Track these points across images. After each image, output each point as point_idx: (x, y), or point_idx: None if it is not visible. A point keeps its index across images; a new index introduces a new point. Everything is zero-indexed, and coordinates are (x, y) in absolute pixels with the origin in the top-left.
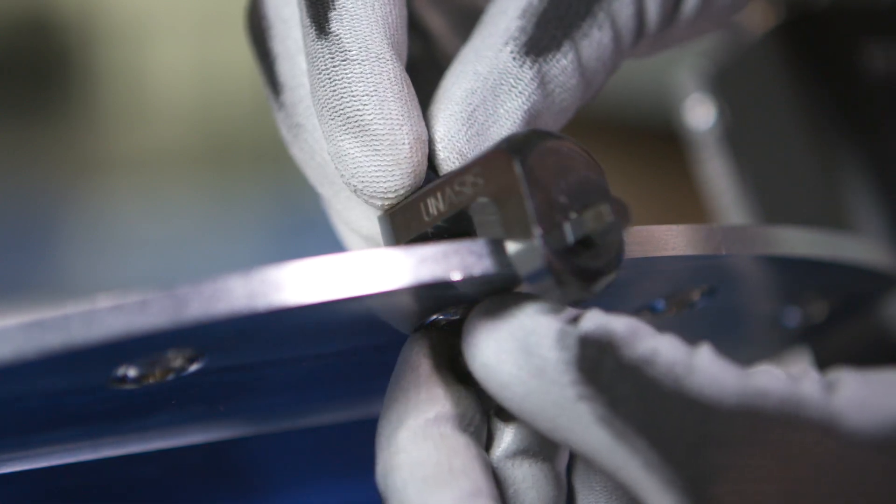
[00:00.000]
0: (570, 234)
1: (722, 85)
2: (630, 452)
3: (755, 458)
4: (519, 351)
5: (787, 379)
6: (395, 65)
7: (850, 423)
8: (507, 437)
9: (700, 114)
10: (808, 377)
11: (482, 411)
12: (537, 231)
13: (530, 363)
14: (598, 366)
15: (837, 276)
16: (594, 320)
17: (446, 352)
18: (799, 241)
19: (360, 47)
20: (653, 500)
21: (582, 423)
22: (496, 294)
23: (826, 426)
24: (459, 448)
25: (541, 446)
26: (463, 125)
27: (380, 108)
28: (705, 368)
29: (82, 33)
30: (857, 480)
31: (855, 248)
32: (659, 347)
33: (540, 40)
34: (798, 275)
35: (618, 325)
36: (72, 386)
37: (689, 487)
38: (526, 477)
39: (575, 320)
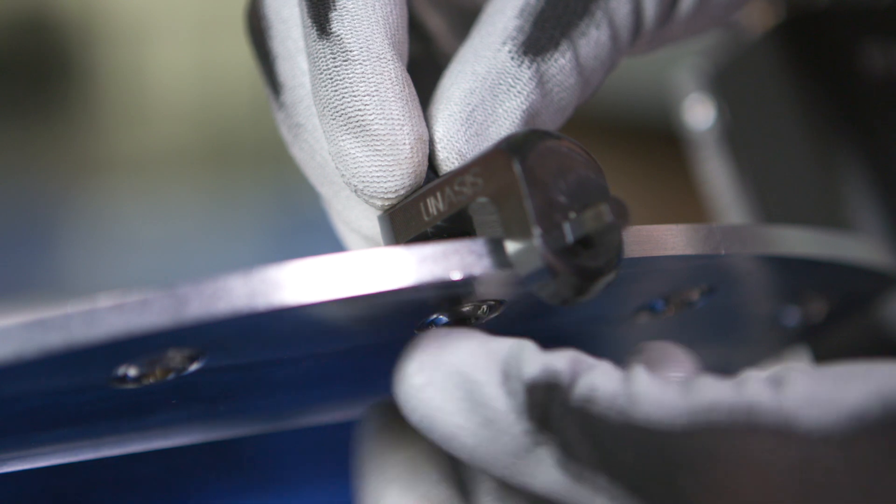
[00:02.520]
0: (569, 233)
1: (721, 85)
2: (593, 490)
3: (720, 474)
4: (463, 398)
5: (733, 385)
6: (397, 65)
7: (805, 422)
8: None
9: (699, 113)
10: (753, 379)
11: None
12: (537, 231)
13: (478, 411)
14: (547, 410)
15: (837, 276)
16: (536, 361)
17: None
18: (798, 241)
19: (361, 47)
20: None
21: (540, 469)
22: (428, 330)
23: (782, 429)
24: None
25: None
26: (462, 125)
27: (381, 109)
28: (646, 393)
29: (82, 33)
30: (823, 480)
31: (854, 247)
32: (595, 382)
33: (538, 40)
34: (797, 274)
35: (559, 363)
36: (72, 385)
37: None
38: None
39: (515, 355)
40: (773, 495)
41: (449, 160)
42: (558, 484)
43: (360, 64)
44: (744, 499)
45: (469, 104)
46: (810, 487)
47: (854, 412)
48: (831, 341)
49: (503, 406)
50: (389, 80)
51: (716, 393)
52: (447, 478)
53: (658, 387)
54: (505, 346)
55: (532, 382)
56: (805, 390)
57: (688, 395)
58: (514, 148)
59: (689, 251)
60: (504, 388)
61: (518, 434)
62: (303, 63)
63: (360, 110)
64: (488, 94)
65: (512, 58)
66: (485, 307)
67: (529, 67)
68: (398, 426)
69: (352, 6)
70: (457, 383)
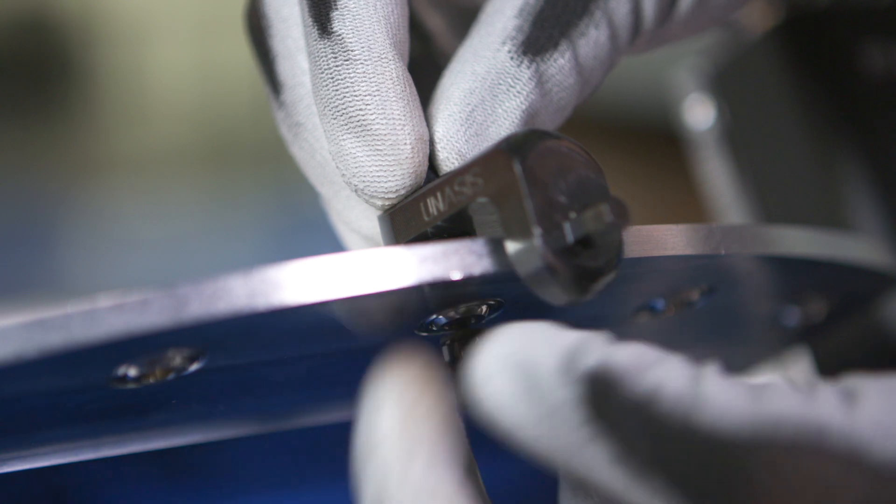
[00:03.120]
0: (569, 233)
1: (721, 85)
2: (649, 492)
3: (778, 492)
4: (527, 391)
5: (803, 398)
6: (398, 64)
7: (878, 451)
8: None
9: (699, 113)
10: (824, 392)
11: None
12: (537, 231)
13: (540, 404)
14: (606, 403)
15: (837, 276)
16: (597, 352)
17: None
18: (798, 241)
19: (362, 47)
20: None
21: (597, 463)
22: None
23: (852, 457)
24: (452, 500)
25: None
26: (462, 125)
27: (382, 108)
28: (714, 397)
29: (82, 33)
30: None
31: (854, 247)
32: (663, 379)
33: (537, 40)
34: (797, 274)
35: (622, 356)
36: (72, 385)
37: None
38: None
39: (579, 347)
40: None
41: (449, 160)
42: (615, 481)
43: (361, 63)
44: None
45: (469, 104)
46: None
47: None
48: (831, 341)
49: (561, 396)
50: (391, 79)
51: (785, 405)
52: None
53: (727, 391)
54: (571, 336)
55: (591, 373)
56: (880, 413)
57: (756, 405)
58: (514, 148)
59: (689, 251)
60: (564, 378)
61: (576, 426)
62: (303, 62)
63: (361, 110)
64: (488, 93)
65: (511, 58)
66: (485, 307)
67: (529, 67)
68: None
69: (353, 6)
70: (521, 375)
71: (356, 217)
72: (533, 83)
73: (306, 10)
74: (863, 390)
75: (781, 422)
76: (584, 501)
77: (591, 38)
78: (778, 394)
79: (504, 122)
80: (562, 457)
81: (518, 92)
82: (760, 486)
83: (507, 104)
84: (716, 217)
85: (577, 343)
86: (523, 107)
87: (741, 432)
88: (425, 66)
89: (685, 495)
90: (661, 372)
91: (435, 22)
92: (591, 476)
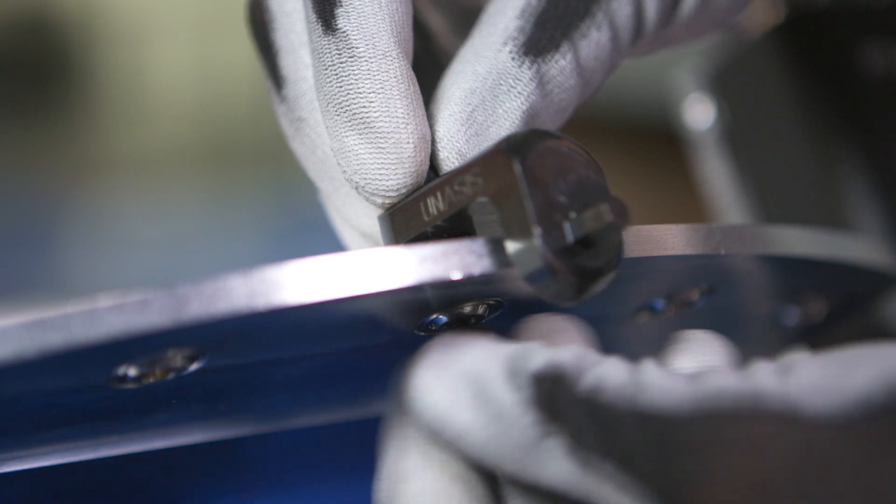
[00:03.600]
0: (569, 233)
1: (721, 85)
2: (600, 479)
3: (721, 458)
4: (472, 397)
5: (740, 374)
6: (402, 63)
7: (810, 408)
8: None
9: (699, 114)
10: (760, 366)
11: None
12: (537, 231)
13: (486, 408)
14: (554, 401)
15: (837, 276)
16: (542, 356)
17: None
18: (798, 241)
19: (367, 44)
20: None
21: (549, 460)
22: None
23: (786, 415)
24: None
25: None
26: (462, 125)
27: (385, 106)
28: (654, 383)
29: (82, 33)
30: (823, 465)
31: (854, 247)
32: (606, 373)
33: (539, 41)
34: (797, 274)
35: (564, 357)
36: (72, 385)
37: (662, 500)
38: None
39: (520, 353)
40: (774, 479)
41: (449, 160)
42: (567, 474)
43: (365, 61)
44: (745, 482)
45: (469, 104)
46: (811, 471)
47: (858, 397)
48: (831, 341)
49: (510, 400)
50: (395, 77)
51: (722, 381)
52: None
53: (667, 377)
54: (511, 346)
55: (538, 375)
56: (811, 377)
57: (695, 383)
58: (514, 148)
59: (689, 251)
60: (511, 383)
61: (526, 426)
62: (306, 57)
63: (364, 107)
64: (489, 94)
65: (513, 58)
66: (485, 307)
67: (530, 68)
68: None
69: (357, 3)
70: (465, 382)
71: (355, 213)
72: (534, 84)
73: (310, 6)
74: (796, 362)
75: (720, 394)
76: None
77: (593, 40)
78: (716, 374)
79: (505, 122)
80: (511, 459)
81: (519, 93)
82: (704, 455)
83: (507, 105)
84: (716, 217)
85: (518, 350)
86: (524, 107)
87: (682, 406)
88: (427, 65)
89: (634, 475)
90: (603, 368)
91: (437, 21)
92: (543, 473)
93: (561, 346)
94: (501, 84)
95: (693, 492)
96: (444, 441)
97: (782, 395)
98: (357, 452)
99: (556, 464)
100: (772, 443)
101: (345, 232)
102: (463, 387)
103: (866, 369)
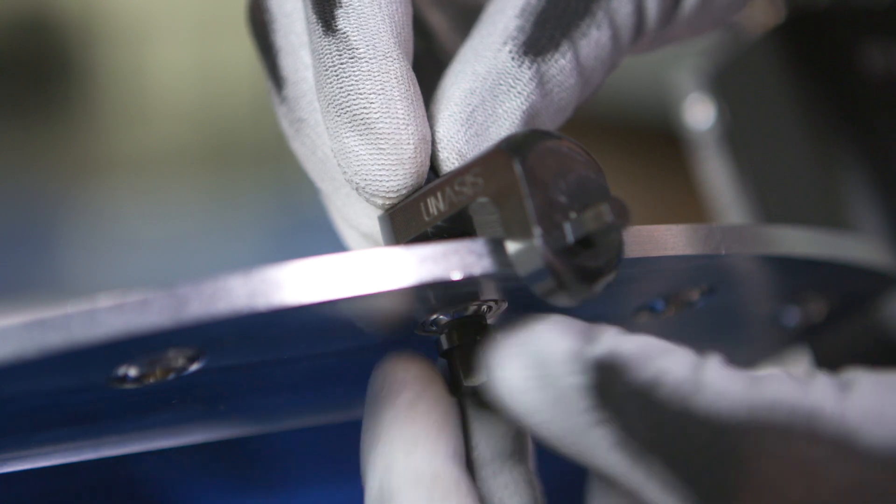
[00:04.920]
0: (569, 233)
1: (721, 85)
2: (647, 474)
3: (770, 473)
4: (538, 378)
5: (798, 385)
6: (402, 63)
7: (866, 436)
8: (483, 441)
9: (699, 114)
10: (820, 381)
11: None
12: (537, 231)
13: (549, 390)
14: (610, 390)
15: (837, 276)
16: (606, 342)
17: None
18: (798, 241)
19: (367, 45)
20: None
21: (600, 448)
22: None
23: (841, 442)
24: (451, 488)
25: (514, 448)
26: (462, 126)
27: (386, 107)
28: (712, 383)
29: (82, 33)
30: (874, 501)
31: (854, 247)
32: (667, 367)
33: (538, 40)
34: (797, 274)
35: (629, 346)
36: (72, 385)
37: None
38: (508, 484)
39: (589, 338)
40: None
41: (449, 160)
42: (617, 464)
43: (366, 62)
44: (791, 501)
45: (469, 104)
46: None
47: None
48: (831, 341)
49: (569, 383)
50: (395, 78)
51: (780, 390)
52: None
53: (726, 378)
54: (582, 326)
55: (599, 361)
56: (871, 402)
57: (752, 390)
58: (515, 148)
59: (689, 251)
60: (573, 366)
61: (581, 411)
62: (306, 57)
63: (365, 108)
64: (489, 94)
65: (512, 58)
66: (485, 307)
67: (530, 68)
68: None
69: (357, 4)
70: (533, 362)
71: (356, 214)
72: (534, 84)
73: (310, 6)
74: (858, 381)
75: (776, 406)
76: (613, 497)
77: (593, 39)
78: (775, 381)
79: (505, 122)
80: (568, 441)
81: (519, 92)
82: (752, 467)
83: (507, 104)
84: (716, 217)
85: (586, 333)
86: (524, 107)
87: (736, 414)
88: (427, 64)
89: (680, 476)
90: (665, 361)
91: (437, 19)
92: (594, 460)
93: (630, 334)
94: (501, 84)
95: (737, 501)
96: (513, 414)
97: (839, 418)
98: (357, 453)
99: (606, 453)
100: (823, 468)
101: (345, 232)
102: (531, 367)
103: None
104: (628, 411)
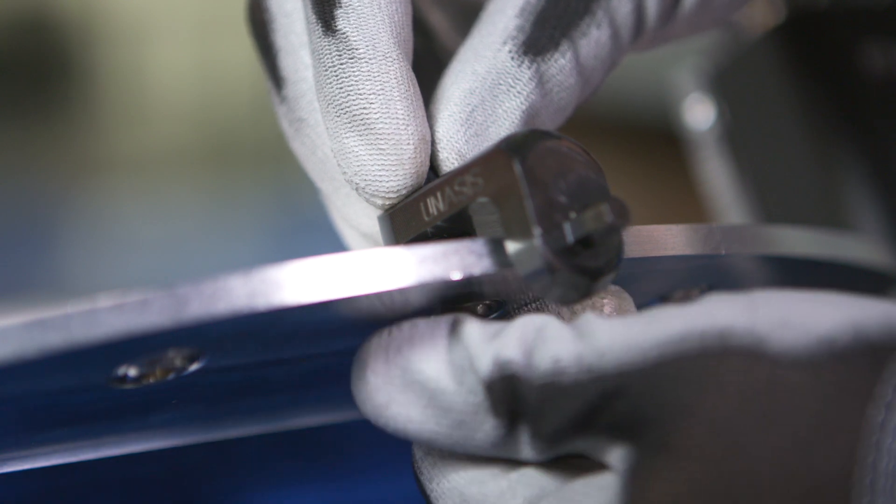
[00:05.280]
0: (569, 233)
1: (721, 85)
2: (571, 448)
3: (690, 397)
4: (428, 407)
5: (703, 310)
6: (402, 64)
7: (776, 343)
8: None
9: (699, 113)
10: (726, 300)
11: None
12: (537, 231)
13: (445, 416)
14: (515, 400)
15: (837, 276)
16: (486, 359)
17: None
18: (798, 241)
19: (367, 46)
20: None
21: (521, 448)
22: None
23: (753, 351)
24: None
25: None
26: (462, 126)
27: (386, 108)
28: (610, 341)
29: (82, 33)
30: (790, 402)
31: (854, 247)
32: (554, 352)
33: (538, 40)
34: (797, 274)
35: (509, 350)
36: (72, 385)
37: (647, 454)
38: None
39: (462, 352)
40: (741, 416)
41: (449, 160)
42: (539, 455)
43: (366, 62)
44: (712, 419)
45: (469, 104)
46: (777, 408)
47: (825, 337)
48: None
49: (467, 407)
50: (395, 79)
51: (685, 321)
52: None
53: (619, 328)
54: (445, 342)
55: (489, 380)
56: (779, 313)
57: (652, 329)
58: (514, 148)
59: (689, 251)
60: (462, 389)
61: (490, 429)
62: (306, 57)
63: (364, 108)
64: (488, 94)
65: (512, 58)
66: (484, 307)
67: (530, 67)
68: None
69: (357, 4)
70: (417, 392)
71: (355, 214)
72: (533, 83)
73: (309, 6)
74: (764, 297)
75: (686, 336)
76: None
77: (593, 38)
78: (671, 314)
79: (504, 122)
80: (487, 453)
81: (518, 92)
82: (670, 395)
83: (507, 104)
84: (716, 217)
85: (458, 349)
86: (524, 107)
87: (648, 356)
88: (427, 63)
89: (615, 438)
90: (549, 347)
91: (436, 18)
92: (518, 457)
93: (499, 333)
94: (501, 84)
95: (672, 439)
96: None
97: (749, 330)
98: (357, 453)
99: (526, 449)
100: (740, 379)
101: (345, 231)
102: (416, 396)
103: (835, 311)
104: (541, 408)
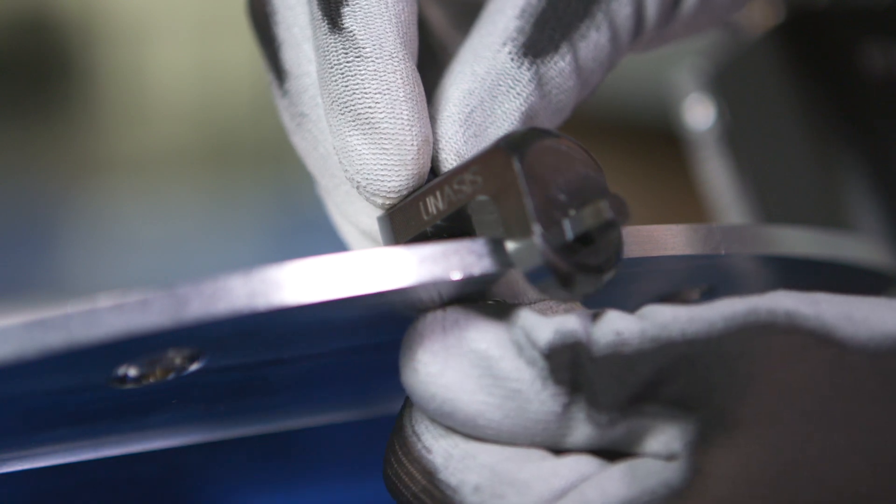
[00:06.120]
0: (569, 231)
1: (721, 85)
2: (628, 427)
3: (753, 368)
4: (483, 377)
5: (765, 296)
6: (408, 64)
7: (842, 333)
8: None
9: (699, 114)
10: (789, 296)
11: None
12: (536, 228)
13: (501, 387)
14: (577, 367)
15: (837, 276)
16: (548, 328)
17: None
18: (798, 241)
19: (373, 45)
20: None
21: (573, 425)
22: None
23: (819, 333)
24: None
25: None
26: (461, 126)
27: (391, 108)
28: (674, 317)
29: (82, 33)
30: (852, 384)
31: (854, 247)
32: (616, 326)
33: (538, 41)
34: (797, 274)
35: (571, 322)
36: (72, 385)
37: (708, 425)
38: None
39: (522, 326)
40: (812, 387)
41: (447, 161)
42: (592, 436)
43: (372, 61)
44: (782, 390)
45: (468, 105)
46: (839, 388)
47: (890, 333)
48: None
49: (527, 376)
50: (401, 79)
51: (748, 302)
52: None
53: (680, 309)
54: (512, 320)
55: (550, 347)
56: (841, 308)
57: (715, 307)
58: (513, 146)
59: (689, 251)
60: (521, 360)
61: (547, 399)
62: (309, 51)
63: (369, 108)
64: (487, 95)
65: (512, 59)
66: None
67: (529, 69)
68: None
69: (364, 2)
70: (473, 362)
71: (355, 211)
72: (533, 85)
73: (315, 2)
74: (826, 297)
75: (753, 311)
76: None
77: (592, 41)
78: (732, 301)
79: (503, 123)
80: (531, 431)
81: (518, 93)
82: (733, 365)
83: (506, 105)
84: (716, 217)
85: (518, 322)
86: (523, 108)
87: (714, 327)
88: (425, 61)
89: (679, 408)
90: (610, 321)
91: (435, 15)
92: (565, 440)
93: (558, 313)
94: (500, 85)
95: (741, 410)
96: (451, 423)
97: (816, 316)
98: (357, 453)
99: (580, 427)
100: (805, 356)
101: (344, 228)
102: (471, 366)
103: (894, 312)
104: (600, 379)
